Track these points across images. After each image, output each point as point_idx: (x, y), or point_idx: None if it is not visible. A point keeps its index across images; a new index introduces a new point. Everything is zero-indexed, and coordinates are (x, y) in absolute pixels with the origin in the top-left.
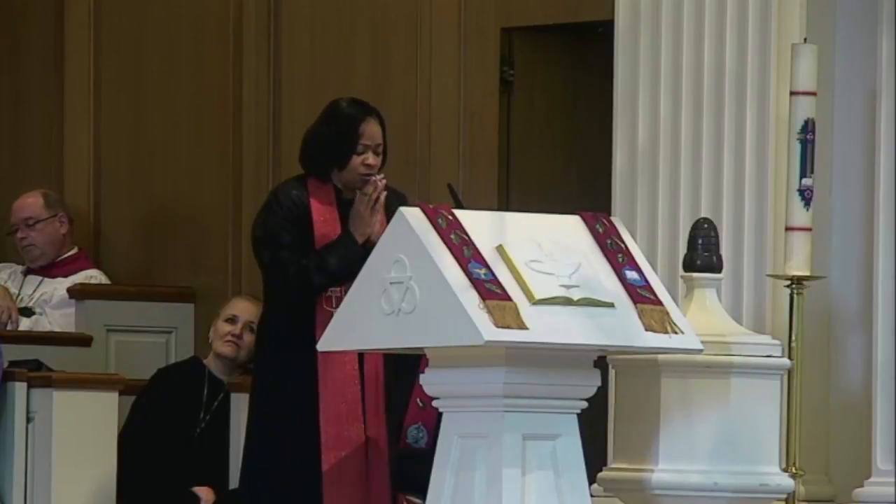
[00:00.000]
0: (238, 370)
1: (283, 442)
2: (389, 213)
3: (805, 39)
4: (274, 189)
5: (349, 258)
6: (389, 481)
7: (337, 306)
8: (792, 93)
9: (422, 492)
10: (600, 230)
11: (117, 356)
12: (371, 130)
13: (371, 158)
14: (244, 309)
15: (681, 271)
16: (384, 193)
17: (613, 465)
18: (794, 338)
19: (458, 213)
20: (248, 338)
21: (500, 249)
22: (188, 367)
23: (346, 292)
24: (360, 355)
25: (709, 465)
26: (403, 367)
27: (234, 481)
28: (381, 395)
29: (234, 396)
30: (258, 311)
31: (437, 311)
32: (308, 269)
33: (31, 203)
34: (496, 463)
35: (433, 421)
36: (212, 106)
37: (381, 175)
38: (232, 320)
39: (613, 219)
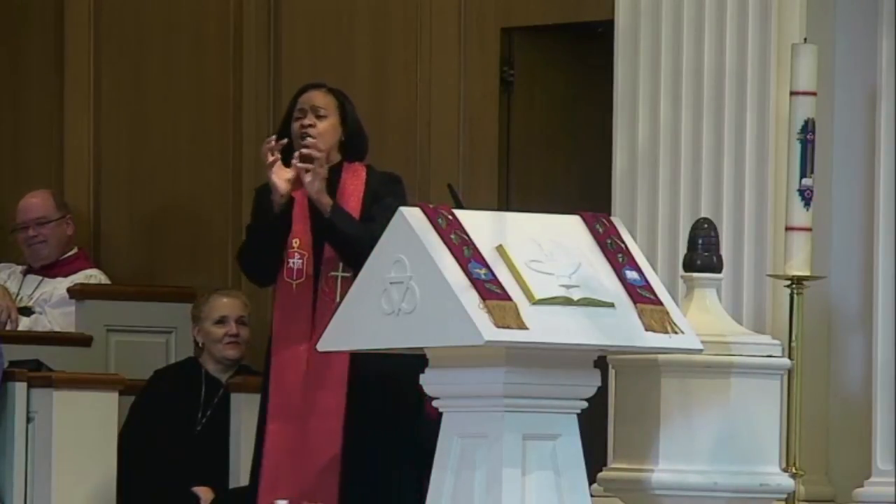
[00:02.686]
0: (234, 368)
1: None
2: (374, 193)
3: (805, 39)
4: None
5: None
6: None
7: (298, 278)
8: (792, 93)
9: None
10: (600, 230)
11: (117, 356)
12: (309, 96)
13: (308, 119)
14: (229, 306)
15: (681, 271)
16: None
17: (613, 465)
18: (794, 338)
19: (458, 213)
20: (244, 332)
21: (500, 249)
22: (185, 367)
23: (308, 263)
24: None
25: (709, 465)
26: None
27: (233, 480)
28: (336, 392)
29: (233, 396)
30: (240, 304)
31: (437, 311)
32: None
33: (42, 203)
34: (496, 463)
35: None
36: (212, 106)
37: (274, 137)
38: (223, 321)
39: (613, 219)
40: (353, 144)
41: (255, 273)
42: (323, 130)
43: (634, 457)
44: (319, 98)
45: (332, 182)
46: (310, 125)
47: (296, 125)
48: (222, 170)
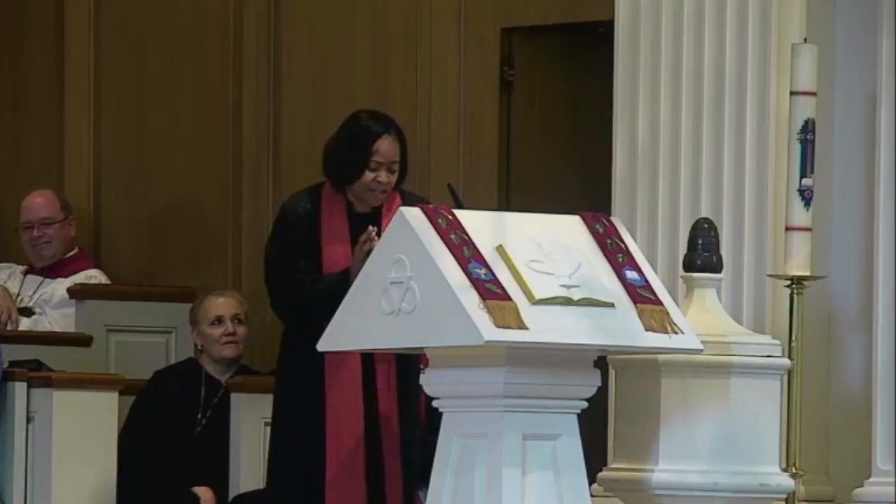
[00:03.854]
0: (233, 368)
1: (293, 444)
2: None
3: (805, 39)
4: (284, 203)
5: (339, 293)
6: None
7: None
8: (792, 93)
9: None
10: (600, 230)
11: (117, 356)
12: (385, 148)
13: (383, 176)
14: (224, 306)
15: (681, 271)
16: (376, 243)
17: (613, 465)
18: (794, 338)
19: (458, 213)
20: (241, 330)
21: (500, 249)
22: (185, 368)
23: None
24: (368, 358)
25: (709, 465)
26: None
27: (234, 481)
28: (393, 398)
29: (233, 396)
30: (235, 302)
31: (437, 311)
32: (301, 287)
33: (48, 203)
34: (496, 463)
35: None
36: (212, 106)
37: (374, 227)
38: (219, 321)
39: (613, 219)
40: (401, 180)
41: (296, 324)
42: (393, 182)
43: (634, 457)
44: (394, 153)
45: (377, 212)
46: (387, 182)
47: (370, 177)
48: (222, 170)
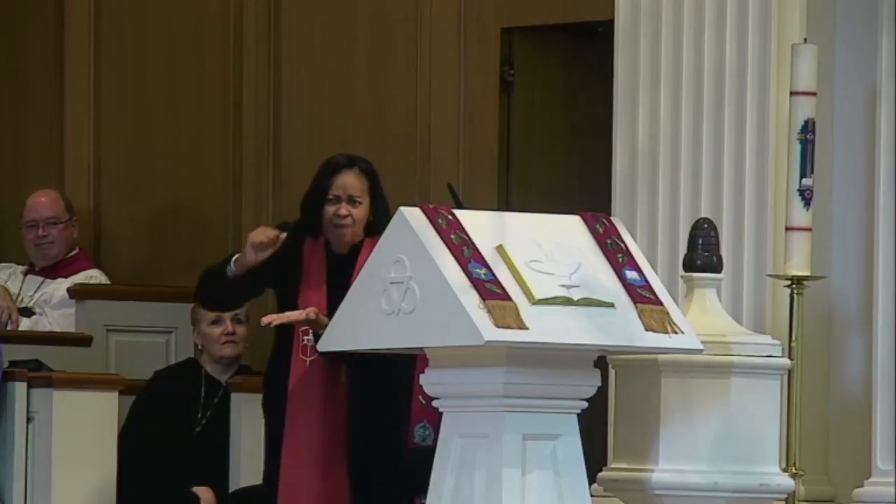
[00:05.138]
0: (233, 368)
1: (273, 440)
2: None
3: (805, 39)
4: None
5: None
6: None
7: (312, 355)
8: (792, 93)
9: None
10: (600, 230)
11: (117, 356)
12: (344, 181)
13: (343, 209)
14: None
15: (681, 271)
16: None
17: (613, 465)
18: (794, 338)
19: (458, 213)
20: (240, 330)
21: (500, 249)
22: (185, 368)
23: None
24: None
25: (709, 465)
26: (400, 366)
27: (233, 481)
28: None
29: (234, 396)
30: None
31: (437, 311)
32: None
33: (53, 203)
34: (496, 463)
35: (437, 417)
36: (212, 106)
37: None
38: (218, 321)
39: (613, 219)
40: (379, 224)
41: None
42: (358, 219)
43: (634, 457)
44: (355, 186)
45: (351, 261)
46: (347, 215)
47: (329, 210)
48: (222, 170)
